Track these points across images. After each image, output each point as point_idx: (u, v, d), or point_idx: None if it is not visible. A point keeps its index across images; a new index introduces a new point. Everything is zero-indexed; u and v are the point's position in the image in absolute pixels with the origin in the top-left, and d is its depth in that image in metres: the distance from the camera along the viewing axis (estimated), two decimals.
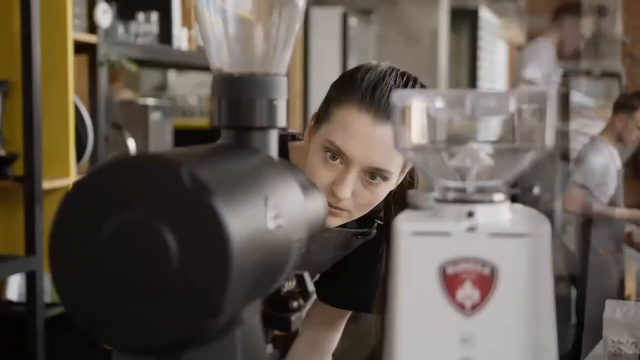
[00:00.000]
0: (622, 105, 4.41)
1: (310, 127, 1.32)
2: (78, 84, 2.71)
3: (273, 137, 0.85)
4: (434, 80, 5.66)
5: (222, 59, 0.85)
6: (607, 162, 4.25)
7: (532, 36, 10.19)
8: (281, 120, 0.85)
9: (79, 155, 2.66)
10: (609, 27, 9.56)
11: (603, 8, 9.38)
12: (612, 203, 4.28)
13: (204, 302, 0.61)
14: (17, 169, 2.44)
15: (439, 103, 0.73)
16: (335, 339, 1.60)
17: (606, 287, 4.16)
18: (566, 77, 5.30)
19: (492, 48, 8.25)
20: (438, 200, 0.73)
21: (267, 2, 0.84)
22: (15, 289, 2.62)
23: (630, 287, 4.52)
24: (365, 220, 1.39)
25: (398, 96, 0.73)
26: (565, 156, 4.60)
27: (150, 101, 3.21)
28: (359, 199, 1.26)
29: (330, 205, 1.24)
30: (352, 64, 5.74)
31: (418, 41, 5.46)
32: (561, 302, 4.17)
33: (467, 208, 0.71)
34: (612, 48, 9.57)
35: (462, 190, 0.73)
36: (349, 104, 1.24)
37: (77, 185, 0.66)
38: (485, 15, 7.70)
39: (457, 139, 0.75)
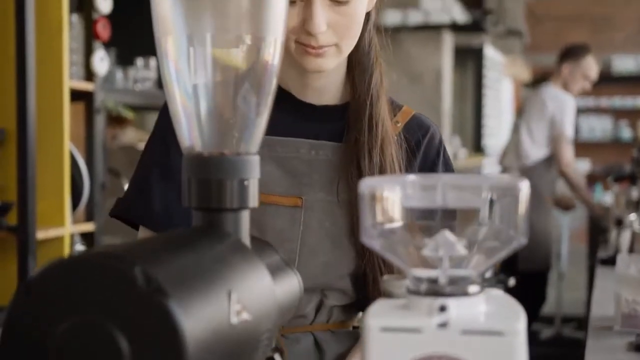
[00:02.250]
0: (568, 54, 4.54)
1: None
2: (75, 130, 2.70)
3: (244, 217, 0.83)
4: (438, 118, 5.64)
5: (192, 137, 0.83)
6: None
7: (537, 73, 10.24)
8: (253, 201, 0.83)
9: (75, 204, 2.64)
10: None
11: None
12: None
13: None
14: (11, 218, 2.42)
15: (409, 191, 0.71)
16: None
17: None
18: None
19: (497, 85, 8.25)
20: (410, 292, 0.70)
21: (237, 81, 0.82)
22: None
23: None
24: None
25: (366, 184, 0.71)
26: None
27: None
28: (337, 27, 1.17)
29: (311, 47, 1.17)
30: None
31: (422, 80, 5.46)
32: None
33: (439, 302, 0.68)
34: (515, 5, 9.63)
35: (435, 281, 0.70)
36: None
37: (29, 283, 0.63)
38: (490, 53, 7.71)
39: (429, 227, 0.73)
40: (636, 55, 10.10)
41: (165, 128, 1.22)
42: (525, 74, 9.57)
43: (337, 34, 1.17)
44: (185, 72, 0.80)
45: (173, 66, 0.81)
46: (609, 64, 10.16)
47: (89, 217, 2.75)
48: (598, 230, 4.61)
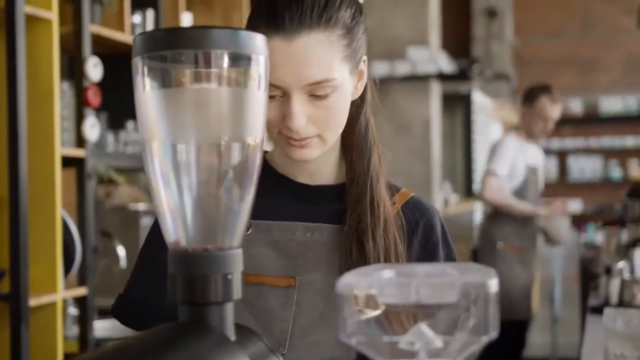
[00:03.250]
0: (524, 98, 4.57)
1: None
2: (67, 196, 2.73)
3: (229, 309, 0.86)
4: (428, 166, 5.69)
5: (177, 233, 0.86)
6: (515, 155, 4.34)
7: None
8: (237, 293, 0.86)
9: (67, 269, 2.66)
10: (499, 29, 9.75)
11: (493, 10, 9.57)
12: (519, 197, 4.37)
13: None
14: (4, 285, 2.44)
15: (384, 289, 0.74)
16: None
17: (506, 283, 4.19)
18: None
19: (486, 129, 8.33)
20: None
21: (219, 180, 0.86)
22: None
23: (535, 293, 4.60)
24: None
25: (343, 283, 0.74)
26: None
27: (142, 206, 3.23)
28: (317, 120, 1.16)
29: (293, 139, 1.17)
30: None
31: (411, 130, 5.52)
32: None
33: None
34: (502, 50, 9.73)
35: None
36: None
37: None
38: (478, 98, 7.80)
39: (405, 321, 0.76)
40: (623, 96, 10.23)
41: (153, 239, 1.24)
42: (514, 117, 9.66)
43: (318, 127, 1.17)
44: (170, 173, 0.84)
45: (158, 167, 0.84)
46: (597, 105, 10.29)
47: (81, 281, 2.77)
48: (589, 275, 4.62)
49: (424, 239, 1.29)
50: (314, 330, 1.23)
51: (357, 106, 1.26)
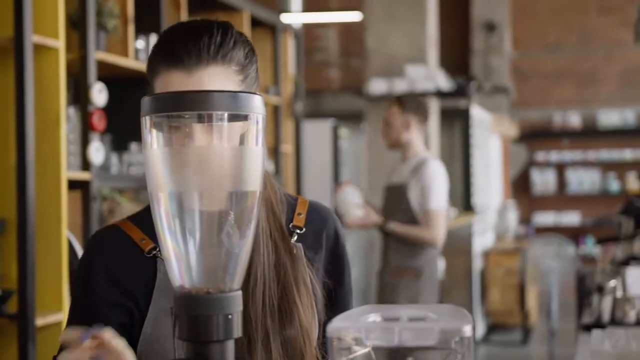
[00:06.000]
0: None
1: None
2: (72, 217, 2.81)
3: (230, 347, 0.94)
4: None
5: (182, 277, 0.94)
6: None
7: (524, 128, 10.42)
8: (237, 332, 0.94)
9: None
10: (498, 43, 9.82)
11: (491, 24, 9.60)
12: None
13: None
14: (12, 305, 2.51)
15: (370, 333, 0.82)
16: None
17: None
18: None
19: (485, 142, 8.40)
20: None
21: (221, 228, 0.94)
22: None
23: None
24: None
25: (333, 328, 0.82)
26: None
27: None
28: None
29: None
30: (343, 172, 5.88)
31: None
32: None
33: None
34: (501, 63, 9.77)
35: None
36: (158, 71, 1.21)
37: None
38: (477, 112, 7.88)
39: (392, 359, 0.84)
40: (621, 109, 10.32)
41: (84, 290, 1.26)
42: (513, 130, 9.76)
43: None
44: (176, 223, 0.92)
45: (164, 218, 0.93)
46: (595, 118, 10.38)
47: None
48: (585, 289, 4.67)
49: (331, 246, 1.36)
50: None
51: None
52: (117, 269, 1.25)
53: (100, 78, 2.92)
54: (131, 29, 3.16)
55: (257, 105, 0.94)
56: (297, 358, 1.24)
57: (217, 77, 1.21)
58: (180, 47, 1.20)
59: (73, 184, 2.78)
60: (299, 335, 1.24)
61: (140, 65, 3.15)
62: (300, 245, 1.31)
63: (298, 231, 1.32)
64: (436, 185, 3.86)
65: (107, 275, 1.25)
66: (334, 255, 1.37)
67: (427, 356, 0.82)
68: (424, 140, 4.10)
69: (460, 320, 0.82)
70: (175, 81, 1.20)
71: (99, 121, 2.83)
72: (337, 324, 0.83)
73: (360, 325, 0.82)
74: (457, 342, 0.79)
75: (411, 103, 4.05)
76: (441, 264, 4.13)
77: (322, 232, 1.35)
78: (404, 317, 0.84)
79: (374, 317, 0.85)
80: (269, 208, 1.30)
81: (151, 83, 1.25)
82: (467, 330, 0.80)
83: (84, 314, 1.24)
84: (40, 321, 2.53)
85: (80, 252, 2.75)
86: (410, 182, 3.89)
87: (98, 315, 1.21)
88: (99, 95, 2.84)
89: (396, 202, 3.94)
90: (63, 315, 2.63)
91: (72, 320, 1.26)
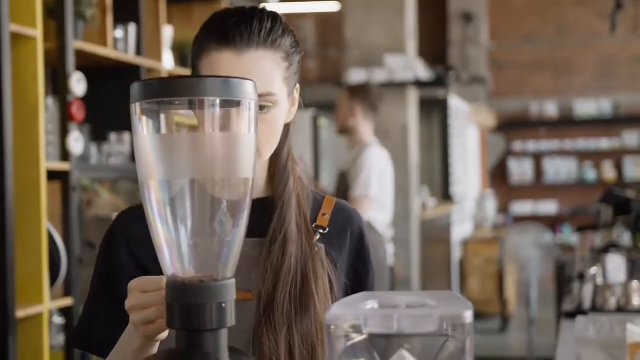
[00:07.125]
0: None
1: None
2: (52, 208, 2.77)
3: (223, 335, 0.92)
4: (406, 172, 5.77)
5: (174, 267, 0.93)
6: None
7: (501, 118, 10.47)
8: (230, 320, 0.92)
9: (53, 280, 2.70)
10: (475, 33, 9.87)
11: (468, 14, 9.64)
12: None
13: None
14: None
15: (368, 320, 0.81)
16: None
17: None
18: None
19: (463, 132, 8.43)
20: None
21: (212, 216, 0.92)
22: None
23: None
24: None
25: (331, 315, 0.81)
26: None
27: None
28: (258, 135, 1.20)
29: None
30: (324, 162, 5.87)
31: (389, 136, 5.59)
32: None
33: None
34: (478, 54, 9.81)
35: None
36: (207, 51, 1.22)
37: None
38: (455, 102, 7.89)
39: (388, 348, 0.83)
40: (597, 99, 10.39)
41: (108, 258, 1.28)
42: (490, 120, 9.79)
43: (257, 141, 1.22)
44: (167, 211, 0.91)
45: (156, 206, 0.91)
46: (571, 108, 10.44)
47: (67, 291, 2.82)
48: (564, 277, 4.70)
49: (356, 247, 1.36)
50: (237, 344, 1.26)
51: (285, 131, 1.31)
52: (136, 244, 1.26)
53: (79, 68, 2.88)
54: (110, 18, 3.12)
55: (249, 91, 0.92)
56: (309, 349, 1.24)
57: (266, 61, 1.22)
58: (234, 27, 1.22)
59: (52, 175, 2.75)
60: (313, 327, 1.24)
61: (119, 54, 3.12)
62: (322, 245, 1.31)
63: (321, 231, 1.31)
64: (364, 172, 3.84)
65: (127, 249, 1.27)
66: (359, 256, 1.36)
67: (426, 343, 0.82)
68: (371, 128, 4.08)
69: (460, 306, 0.81)
70: (225, 61, 1.21)
71: (78, 111, 2.80)
72: (335, 311, 0.82)
73: (359, 312, 0.81)
74: (457, 328, 0.79)
75: (359, 91, 4.07)
76: (390, 249, 4.08)
77: (346, 232, 1.35)
78: (402, 304, 0.83)
79: (372, 304, 0.84)
80: (298, 203, 1.31)
81: (195, 65, 1.26)
82: (468, 316, 0.79)
83: (106, 282, 1.28)
84: (20, 313, 2.50)
85: (60, 243, 2.72)
86: (352, 168, 3.91)
87: (120, 281, 1.22)
88: (77, 85, 2.80)
89: (341, 189, 3.96)
90: (44, 307, 2.60)
91: (96, 287, 1.30)
